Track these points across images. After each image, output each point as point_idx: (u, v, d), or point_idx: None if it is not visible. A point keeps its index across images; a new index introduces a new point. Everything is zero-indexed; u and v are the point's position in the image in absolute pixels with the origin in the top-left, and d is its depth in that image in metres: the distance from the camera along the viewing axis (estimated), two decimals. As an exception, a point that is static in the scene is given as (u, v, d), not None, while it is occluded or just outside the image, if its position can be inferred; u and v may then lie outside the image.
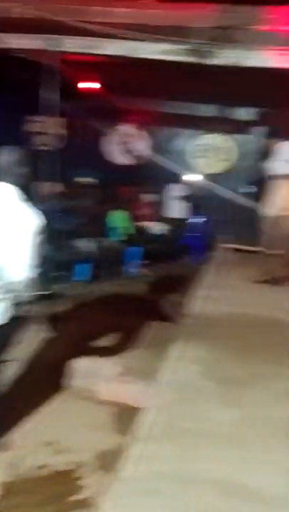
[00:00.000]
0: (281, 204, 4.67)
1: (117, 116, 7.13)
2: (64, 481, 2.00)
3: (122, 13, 3.83)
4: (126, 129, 7.16)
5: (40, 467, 2.07)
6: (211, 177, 7.29)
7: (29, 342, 3.26)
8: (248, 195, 6.19)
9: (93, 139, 7.45)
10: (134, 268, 6.27)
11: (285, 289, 4.71)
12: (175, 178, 6.71)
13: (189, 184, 6.79)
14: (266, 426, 2.28)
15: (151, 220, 7.28)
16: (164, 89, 6.82)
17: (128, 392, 3.10)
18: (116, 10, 3.80)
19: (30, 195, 1.99)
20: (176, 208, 6.74)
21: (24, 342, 3.19)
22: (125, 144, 7.40)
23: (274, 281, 4.92)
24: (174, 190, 6.71)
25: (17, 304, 1.92)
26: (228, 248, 6.13)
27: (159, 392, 2.51)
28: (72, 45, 4.10)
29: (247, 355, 3.06)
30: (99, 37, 3.86)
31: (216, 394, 2.53)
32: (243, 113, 6.86)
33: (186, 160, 7.28)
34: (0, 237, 1.75)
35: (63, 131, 6.02)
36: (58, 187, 5.88)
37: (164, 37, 3.80)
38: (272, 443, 2.15)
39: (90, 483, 1.96)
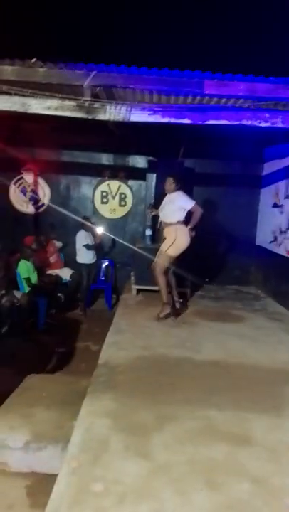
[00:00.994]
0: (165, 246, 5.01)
1: (16, 167, 7.13)
2: None
3: (9, 71, 3.92)
4: (27, 178, 7.20)
5: None
6: (113, 221, 7.56)
7: None
8: (145, 238, 6.54)
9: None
10: (41, 319, 6.08)
11: (186, 325, 4.96)
12: (79, 224, 6.83)
13: (93, 229, 6.94)
14: (175, 471, 2.31)
15: (60, 267, 7.23)
16: (60, 140, 7.05)
17: (38, 460, 2.93)
18: (5, 67, 3.88)
19: None
20: (84, 254, 6.83)
21: None
22: (26, 194, 7.41)
23: (175, 312, 5.16)
24: (80, 236, 6.81)
25: None
26: (134, 289, 6.30)
27: (70, 456, 2.41)
28: None
29: (155, 398, 3.11)
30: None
31: (125, 446, 2.51)
32: (140, 161, 7.35)
33: (88, 206, 7.49)
34: None
35: None
36: None
37: (51, 93, 3.96)
38: (184, 489, 2.17)
39: None
